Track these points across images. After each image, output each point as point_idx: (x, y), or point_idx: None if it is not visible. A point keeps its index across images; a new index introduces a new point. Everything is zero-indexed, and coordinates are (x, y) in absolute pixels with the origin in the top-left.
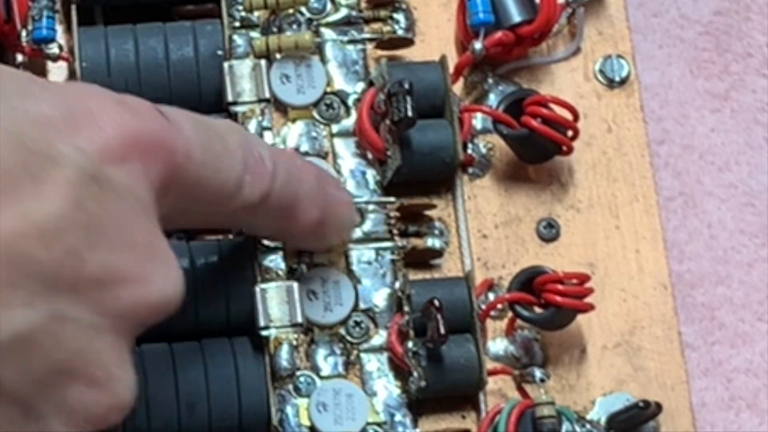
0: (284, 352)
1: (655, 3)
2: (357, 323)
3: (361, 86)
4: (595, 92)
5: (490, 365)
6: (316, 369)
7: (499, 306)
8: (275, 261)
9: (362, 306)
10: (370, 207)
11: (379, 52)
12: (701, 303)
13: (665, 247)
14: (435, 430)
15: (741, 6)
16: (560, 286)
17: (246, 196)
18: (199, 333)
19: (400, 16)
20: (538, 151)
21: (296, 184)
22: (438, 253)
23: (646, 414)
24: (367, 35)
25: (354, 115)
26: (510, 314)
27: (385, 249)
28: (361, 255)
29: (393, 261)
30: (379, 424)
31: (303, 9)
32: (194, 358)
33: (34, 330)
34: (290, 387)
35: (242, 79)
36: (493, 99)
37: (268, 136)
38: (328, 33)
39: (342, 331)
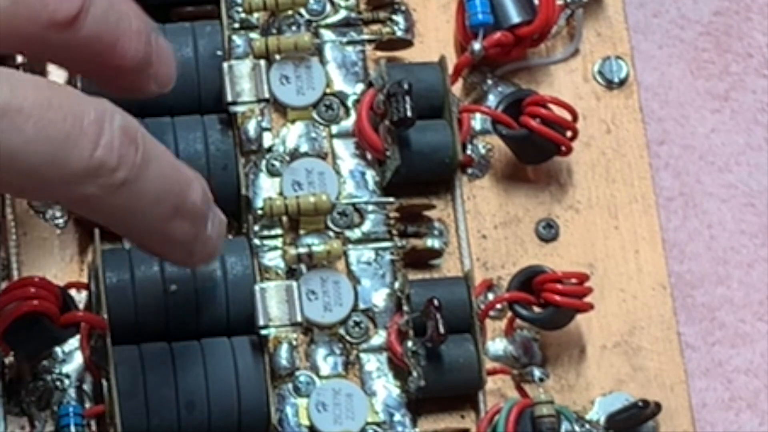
0: (283, 352)
1: (655, 3)
2: (356, 323)
3: (360, 87)
4: (594, 93)
5: (489, 365)
6: (315, 369)
7: (499, 306)
8: (275, 260)
9: (362, 306)
10: (370, 207)
11: (379, 54)
12: (701, 303)
13: (664, 247)
14: (434, 429)
15: (741, 6)
16: (559, 286)
17: (51, 8)
18: (199, 333)
19: (399, 18)
20: (537, 151)
21: (118, 16)
22: (437, 254)
23: (645, 413)
24: (367, 36)
25: (353, 115)
26: (509, 314)
27: (384, 249)
28: (360, 255)
29: (392, 261)
30: (378, 424)
31: (302, 10)
32: (194, 357)
33: None
34: (290, 387)
35: (242, 79)
36: (492, 100)
37: (267, 137)
38: (327, 34)
39: (341, 331)
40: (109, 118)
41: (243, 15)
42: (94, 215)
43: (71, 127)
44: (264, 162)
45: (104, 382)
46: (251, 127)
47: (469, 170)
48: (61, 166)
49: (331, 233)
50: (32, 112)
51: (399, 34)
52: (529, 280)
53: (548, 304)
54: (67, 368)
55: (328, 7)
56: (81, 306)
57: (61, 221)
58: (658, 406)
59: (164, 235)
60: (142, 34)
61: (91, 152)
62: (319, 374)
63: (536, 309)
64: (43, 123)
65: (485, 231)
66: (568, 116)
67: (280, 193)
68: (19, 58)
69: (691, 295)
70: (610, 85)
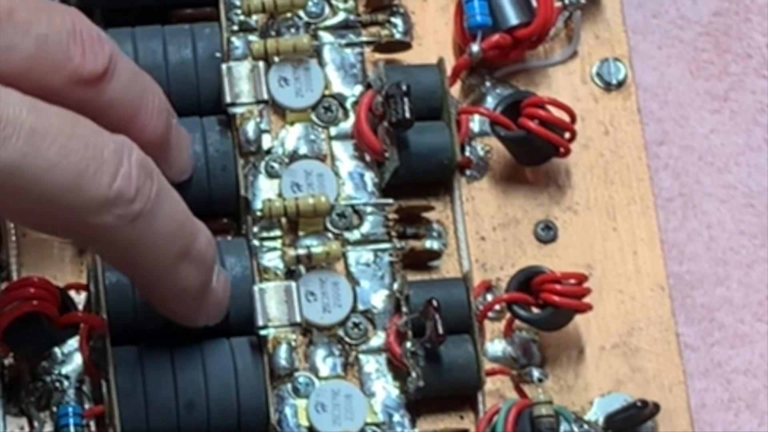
0: (283, 352)
1: (654, 4)
2: (355, 324)
3: (359, 89)
4: (592, 95)
5: (488, 366)
6: (314, 370)
7: (497, 307)
8: (274, 261)
9: (361, 307)
10: (369, 209)
11: (377, 56)
12: (701, 304)
13: (662, 248)
14: (433, 430)
15: (741, 6)
16: (558, 286)
17: (75, 63)
18: (198, 333)
19: (397, 20)
20: (535, 153)
21: (142, 87)
22: (436, 255)
23: (643, 414)
24: (365, 39)
25: (352, 117)
26: (508, 315)
27: (383, 250)
28: (359, 256)
29: (391, 262)
30: (377, 425)
31: (301, 13)
32: (193, 358)
33: None
34: (289, 387)
35: (240, 80)
36: (490, 102)
37: (266, 139)
38: (326, 36)
39: (340, 332)
40: (128, 151)
41: (242, 17)
42: (106, 249)
43: (92, 156)
44: (263, 163)
45: (104, 383)
46: (250, 128)
47: (468, 172)
48: (81, 193)
49: (330, 234)
50: (56, 139)
51: (397, 36)
52: (528, 281)
53: (547, 305)
54: (66, 369)
55: (327, 10)
56: (80, 307)
57: None
58: (656, 407)
59: (172, 279)
60: (163, 112)
61: (110, 182)
62: (318, 375)
63: (535, 310)
64: (66, 150)
65: (484, 232)
66: (566, 118)
67: (279, 195)
68: None
69: (690, 295)
70: (608, 86)
